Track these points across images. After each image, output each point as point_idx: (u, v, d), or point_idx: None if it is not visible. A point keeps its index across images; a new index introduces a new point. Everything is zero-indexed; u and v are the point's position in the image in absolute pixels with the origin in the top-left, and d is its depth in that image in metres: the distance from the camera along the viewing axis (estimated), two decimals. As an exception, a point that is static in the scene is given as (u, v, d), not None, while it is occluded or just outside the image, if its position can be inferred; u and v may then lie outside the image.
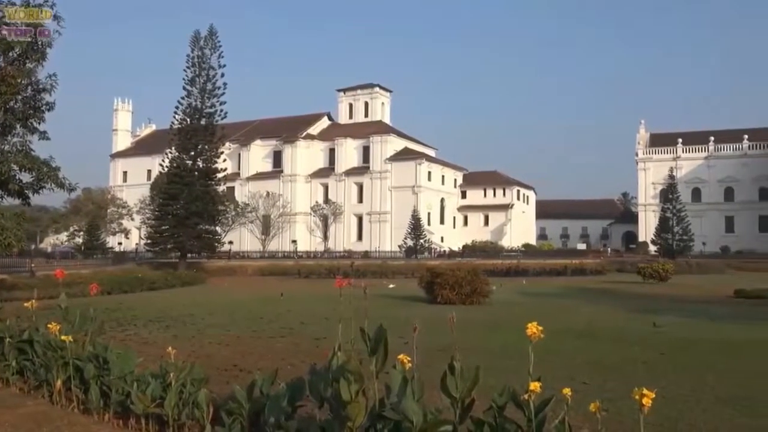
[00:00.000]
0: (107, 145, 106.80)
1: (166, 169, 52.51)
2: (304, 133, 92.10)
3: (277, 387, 4.46)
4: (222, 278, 41.72)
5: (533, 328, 3.46)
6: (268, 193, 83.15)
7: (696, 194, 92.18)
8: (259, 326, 14.27)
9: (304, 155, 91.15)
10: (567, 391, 3.52)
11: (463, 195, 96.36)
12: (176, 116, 51.53)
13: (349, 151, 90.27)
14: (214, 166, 51.96)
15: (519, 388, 3.79)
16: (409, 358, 3.79)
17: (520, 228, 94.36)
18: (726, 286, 28.32)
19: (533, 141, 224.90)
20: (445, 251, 75.70)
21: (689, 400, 6.98)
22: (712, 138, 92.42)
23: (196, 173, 50.52)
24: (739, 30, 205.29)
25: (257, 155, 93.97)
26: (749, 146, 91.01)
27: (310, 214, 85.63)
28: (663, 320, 15.19)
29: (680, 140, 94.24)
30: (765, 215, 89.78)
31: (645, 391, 3.09)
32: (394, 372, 3.70)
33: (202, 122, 51.06)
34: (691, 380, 8.20)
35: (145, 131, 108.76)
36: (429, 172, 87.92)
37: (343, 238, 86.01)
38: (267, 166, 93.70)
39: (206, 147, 51.24)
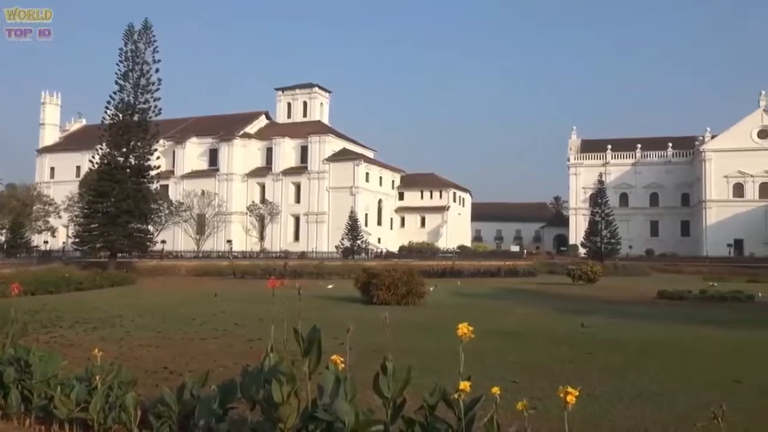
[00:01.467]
0: (34, 139, 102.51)
1: (96, 166, 50.72)
2: (241, 132, 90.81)
3: (208, 389, 4.40)
4: (154, 278, 40.63)
5: (464, 329, 3.53)
6: (203, 191, 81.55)
7: (624, 199, 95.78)
8: (191, 327, 13.98)
9: (241, 154, 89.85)
10: (496, 390, 3.61)
11: (401, 196, 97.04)
12: (108, 111, 49.84)
13: (286, 151, 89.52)
14: (147, 164, 50.53)
15: (450, 388, 3.85)
16: (342, 359, 3.80)
17: (456, 230, 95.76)
18: (650, 287, 29.50)
19: (470, 144, 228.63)
20: (382, 252, 76.03)
21: (612, 397, 7.26)
22: (639, 145, 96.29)
23: (128, 170, 49.03)
24: (662, 43, 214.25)
25: (192, 153, 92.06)
26: (673, 154, 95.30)
27: (247, 213, 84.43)
28: (590, 321, 15.69)
29: (609, 147, 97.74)
30: (686, 220, 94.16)
31: (570, 390, 3.20)
32: (327, 373, 3.71)
33: (135, 118, 49.55)
34: (614, 378, 8.51)
35: (75, 126, 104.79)
36: (367, 173, 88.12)
37: (280, 238, 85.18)
38: (202, 165, 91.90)
39: (139, 144, 49.78)
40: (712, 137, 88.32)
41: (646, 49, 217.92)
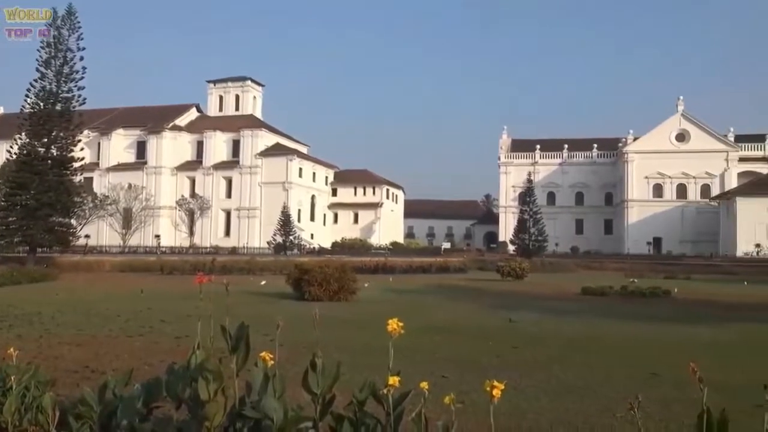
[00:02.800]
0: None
1: (14, 156, 48.31)
2: (171, 124, 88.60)
3: (132, 388, 4.27)
4: (77, 274, 39.09)
5: (393, 325, 3.55)
6: (130, 185, 79.11)
7: (551, 198, 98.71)
8: (115, 325, 13.53)
9: (171, 147, 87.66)
10: (424, 384, 3.64)
11: (334, 192, 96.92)
12: (28, 100, 47.52)
13: (218, 145, 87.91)
14: (69, 155, 48.45)
15: (381, 384, 3.86)
16: (271, 356, 3.76)
17: (389, 226, 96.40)
18: (575, 283, 30.45)
19: (404, 141, 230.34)
20: (314, 248, 75.75)
21: (537, 390, 7.47)
22: (566, 146, 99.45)
23: (49, 162, 46.90)
24: (590, 48, 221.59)
25: (119, 145, 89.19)
26: (598, 155, 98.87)
27: (176, 208, 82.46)
28: (518, 316, 16.08)
29: (538, 147, 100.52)
30: (609, 219, 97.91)
31: (495, 383, 3.27)
32: (256, 370, 3.66)
33: (58, 108, 47.44)
34: (539, 372, 8.76)
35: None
36: (300, 169, 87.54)
37: (211, 233, 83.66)
38: (130, 157, 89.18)
39: (61, 134, 47.68)
40: (635, 139, 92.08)
41: (575, 53, 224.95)
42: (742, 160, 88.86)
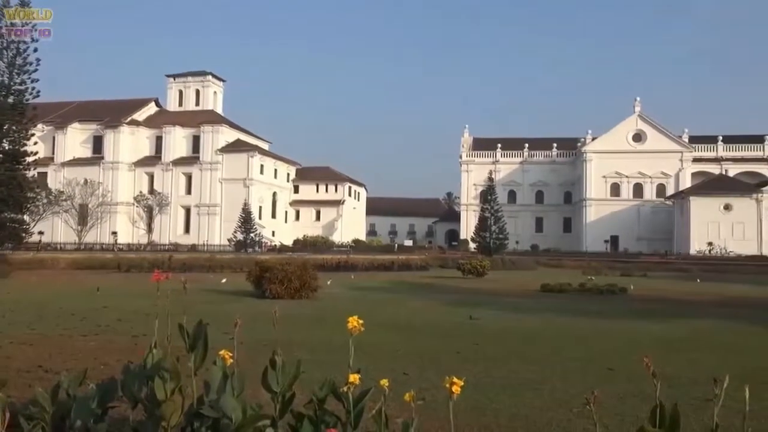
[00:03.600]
0: None
1: (-37, 150, 46.75)
2: (129, 119, 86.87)
3: (86, 388, 4.18)
4: (30, 272, 38.07)
5: (354, 322, 3.54)
6: (86, 180, 77.30)
7: (512, 196, 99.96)
8: (70, 324, 13.21)
9: (128, 142, 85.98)
10: (384, 382, 3.65)
11: (296, 189, 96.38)
12: (-23, 92, 46.00)
13: (177, 140, 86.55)
14: (22, 149, 47.05)
15: (341, 381, 3.86)
16: (230, 354, 3.72)
17: (351, 224, 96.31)
18: (534, 281, 30.90)
19: (367, 139, 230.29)
20: (276, 245, 75.22)
21: (497, 386, 7.55)
22: (527, 145, 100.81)
23: (0, 155, 45.57)
24: (551, 50, 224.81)
25: (75, 139, 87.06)
26: (557, 154, 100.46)
27: (134, 204, 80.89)
28: (478, 313, 16.23)
29: (499, 146, 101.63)
30: (568, 217, 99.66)
31: (455, 380, 3.29)
32: (214, 368, 3.61)
33: (10, 100, 46.06)
34: (499, 368, 8.86)
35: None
36: (262, 165, 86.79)
37: (170, 230, 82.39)
38: (86, 152, 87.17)
39: (14, 128, 46.29)
40: (593, 139, 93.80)
41: (537, 53, 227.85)
42: (695, 160, 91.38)
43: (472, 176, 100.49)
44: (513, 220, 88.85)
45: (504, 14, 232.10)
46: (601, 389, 7.27)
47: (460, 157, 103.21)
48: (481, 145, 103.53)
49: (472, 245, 77.44)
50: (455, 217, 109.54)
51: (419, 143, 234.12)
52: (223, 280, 28.65)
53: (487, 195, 75.54)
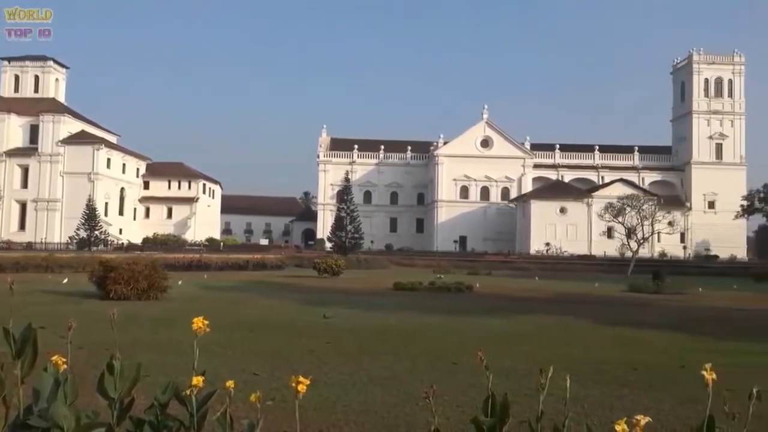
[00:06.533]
0: None
1: None
2: (-47, 103, 78.40)
3: None
4: None
5: (198, 323, 3.47)
6: None
7: (368, 196, 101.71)
8: None
9: (-48, 129, 77.65)
10: (230, 383, 3.60)
11: (146, 186, 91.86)
12: None
13: (12, 129, 79.47)
14: None
15: (186, 384, 3.76)
16: (64, 359, 3.50)
17: (205, 222, 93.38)
18: (387, 279, 31.68)
19: (222, 135, 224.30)
20: (123, 244, 71.24)
21: (347, 383, 7.70)
22: (383, 147, 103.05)
23: None
24: (413, 51, 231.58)
25: None
26: (411, 156, 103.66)
27: (-42, 198, 73.20)
28: (332, 311, 16.39)
29: (356, 146, 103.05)
30: (421, 218, 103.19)
31: (301, 378, 3.33)
32: (45, 375, 3.39)
33: None
34: (350, 365, 9.03)
35: None
36: (108, 159, 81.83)
37: (2, 227, 75.48)
38: None
39: None
40: (445, 143, 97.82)
41: (395, 55, 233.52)
42: (536, 166, 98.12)
43: (330, 176, 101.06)
44: (368, 220, 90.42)
45: (364, 15, 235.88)
46: (445, 382, 7.66)
47: (318, 156, 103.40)
48: (339, 145, 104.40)
49: (328, 244, 77.77)
50: (312, 216, 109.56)
51: (277, 142, 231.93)
52: (64, 281, 26.66)
53: (344, 195, 76.13)
